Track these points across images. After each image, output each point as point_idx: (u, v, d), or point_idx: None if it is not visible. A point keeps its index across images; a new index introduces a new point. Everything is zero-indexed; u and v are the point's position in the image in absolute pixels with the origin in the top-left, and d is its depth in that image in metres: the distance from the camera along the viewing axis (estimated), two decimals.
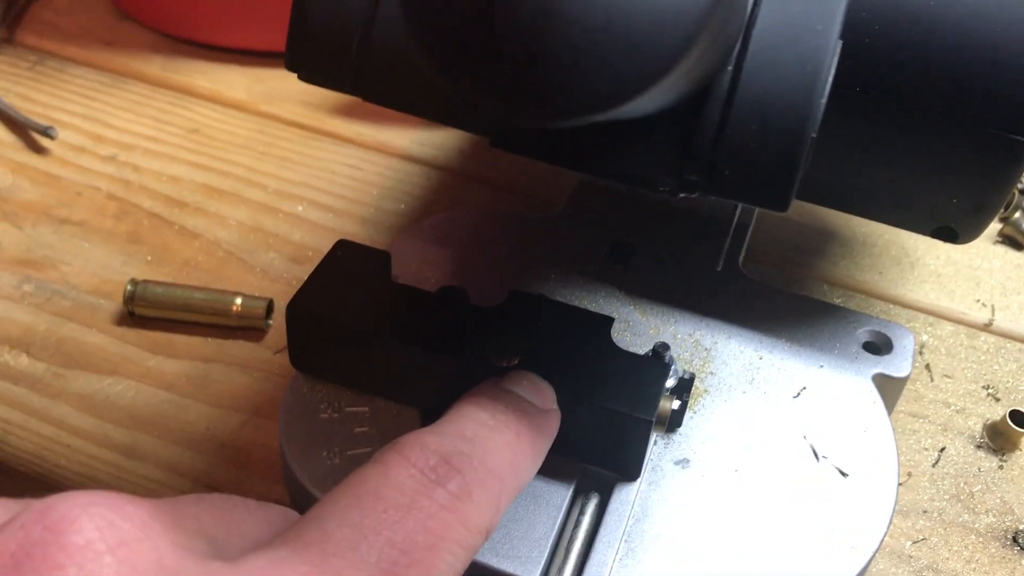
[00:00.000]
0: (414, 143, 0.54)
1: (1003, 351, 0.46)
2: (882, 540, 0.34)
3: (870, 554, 0.33)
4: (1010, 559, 0.37)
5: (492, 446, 0.27)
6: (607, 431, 0.33)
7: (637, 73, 0.16)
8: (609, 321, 0.36)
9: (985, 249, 0.52)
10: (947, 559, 0.37)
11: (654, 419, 0.32)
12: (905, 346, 0.40)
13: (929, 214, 0.37)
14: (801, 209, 0.52)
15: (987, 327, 0.47)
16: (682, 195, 0.26)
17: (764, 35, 0.25)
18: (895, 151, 0.35)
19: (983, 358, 0.45)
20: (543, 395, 0.31)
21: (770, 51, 0.24)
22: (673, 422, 0.36)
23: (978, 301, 0.48)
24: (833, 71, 0.26)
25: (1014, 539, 0.38)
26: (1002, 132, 0.34)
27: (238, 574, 0.21)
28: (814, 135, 0.25)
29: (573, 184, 0.48)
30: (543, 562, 0.32)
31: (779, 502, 0.34)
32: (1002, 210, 0.54)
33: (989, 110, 0.33)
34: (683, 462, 0.35)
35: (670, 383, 0.35)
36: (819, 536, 0.33)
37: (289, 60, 0.28)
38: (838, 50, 0.27)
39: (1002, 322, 0.47)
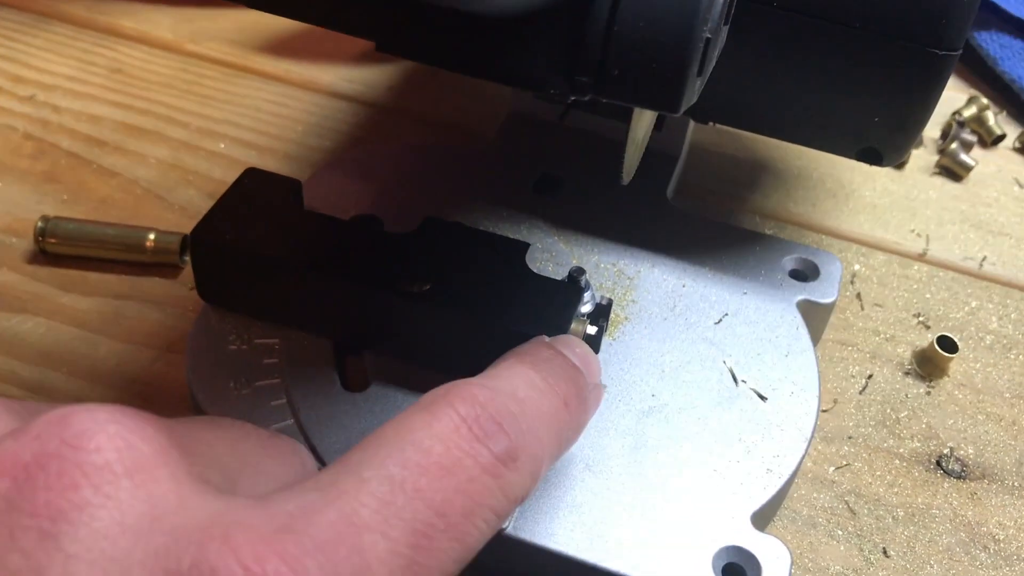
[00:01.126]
0: (341, 79, 0.53)
1: (936, 279, 0.45)
2: (800, 463, 0.33)
3: (787, 476, 0.33)
4: (933, 482, 0.37)
5: (541, 411, 0.26)
6: None
7: None
8: (524, 246, 0.35)
9: (922, 180, 0.51)
10: (870, 483, 0.36)
11: None
12: (832, 272, 0.40)
13: (852, 135, 0.36)
14: (735, 143, 0.51)
15: (921, 256, 0.47)
16: (572, 98, 0.25)
17: None
18: (814, 69, 0.34)
19: (915, 287, 0.45)
20: (591, 367, 0.30)
21: None
22: (590, 347, 0.35)
23: (913, 231, 0.48)
24: None
25: (938, 463, 0.37)
26: (918, 46, 0.33)
27: (266, 516, 0.20)
28: (708, 35, 0.24)
29: (502, 118, 0.47)
30: None
31: (696, 426, 0.34)
32: (940, 140, 0.54)
33: (905, 24, 0.33)
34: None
35: (586, 308, 0.35)
36: (735, 458, 0.33)
37: None
38: None
39: (936, 251, 0.47)
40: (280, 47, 0.55)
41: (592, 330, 0.35)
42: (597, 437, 0.33)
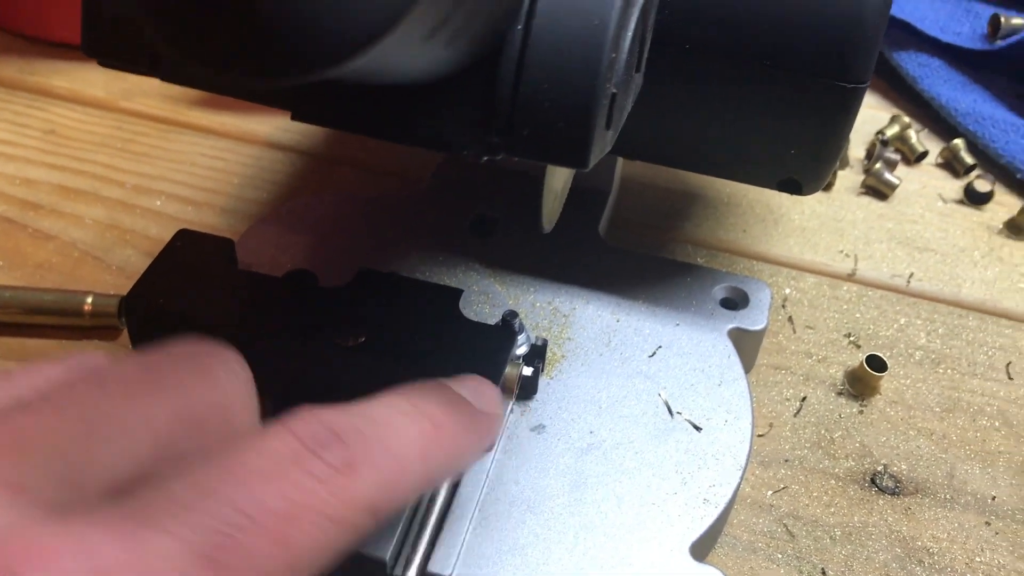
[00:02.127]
0: (278, 130, 0.53)
1: (865, 299, 0.47)
2: (736, 491, 0.34)
3: (723, 505, 0.33)
4: (868, 500, 0.38)
5: (399, 430, 0.24)
6: None
7: (354, 28, 0.16)
8: (457, 293, 0.36)
9: (849, 200, 0.53)
10: (807, 505, 0.37)
11: (500, 386, 0.32)
12: (761, 300, 0.41)
13: (771, 167, 0.37)
14: (666, 174, 0.52)
15: (850, 277, 0.48)
16: (485, 158, 0.26)
17: None
18: (729, 106, 0.36)
19: (845, 307, 0.46)
20: (486, 397, 0.29)
21: (558, 7, 0.24)
22: (527, 389, 0.36)
23: (841, 252, 0.49)
24: (632, 24, 0.26)
25: (872, 480, 0.39)
26: (827, 80, 0.34)
27: (60, 543, 0.18)
28: (614, 90, 0.25)
29: (436, 162, 0.47)
30: (395, 538, 0.32)
31: (633, 461, 0.34)
32: (865, 160, 0.55)
33: (812, 60, 0.34)
34: (539, 428, 0.35)
35: (521, 351, 0.35)
36: (672, 491, 0.34)
37: (84, 44, 0.27)
38: (645, 5, 0.27)
39: (864, 271, 0.48)
40: (215, 100, 0.55)
41: (528, 371, 0.35)
42: (538, 478, 0.34)
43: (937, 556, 0.36)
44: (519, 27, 0.24)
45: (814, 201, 0.52)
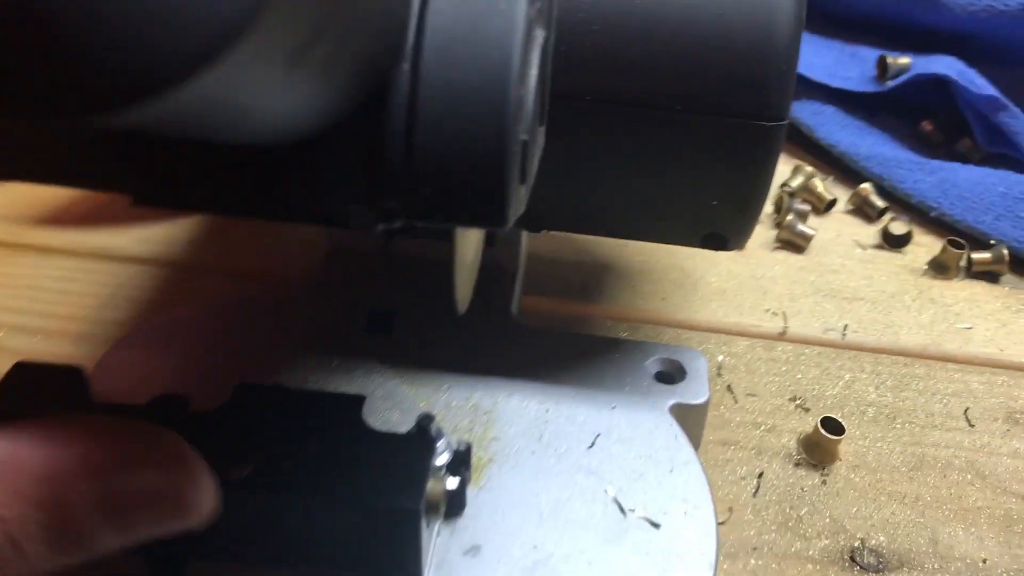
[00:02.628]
0: (136, 241, 0.47)
1: (803, 357, 0.43)
2: None
3: None
4: None
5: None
6: (372, 531, 0.27)
7: (196, 35, 0.11)
8: (359, 400, 0.30)
9: (765, 257, 0.50)
10: None
11: (422, 507, 0.27)
12: (698, 369, 0.37)
13: (693, 222, 0.34)
14: (573, 246, 0.48)
15: (782, 336, 0.44)
16: (381, 227, 0.21)
17: (441, 23, 0.20)
18: (643, 160, 0.32)
19: (784, 368, 0.42)
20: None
21: (451, 40, 0.20)
22: (454, 505, 0.30)
23: (768, 311, 0.46)
24: (536, 60, 0.22)
25: (852, 558, 0.34)
26: (744, 120, 0.31)
27: None
28: (525, 136, 0.21)
29: (321, 255, 0.42)
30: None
31: (587, 573, 0.29)
32: (775, 214, 0.52)
33: (727, 100, 0.31)
34: (473, 550, 0.30)
35: (442, 459, 0.30)
36: None
37: None
38: (543, 42, 0.23)
39: (796, 328, 0.45)
40: (62, 216, 0.49)
41: (453, 483, 0.30)
42: None
43: None
44: (406, 65, 0.20)
45: (729, 261, 0.49)
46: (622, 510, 0.31)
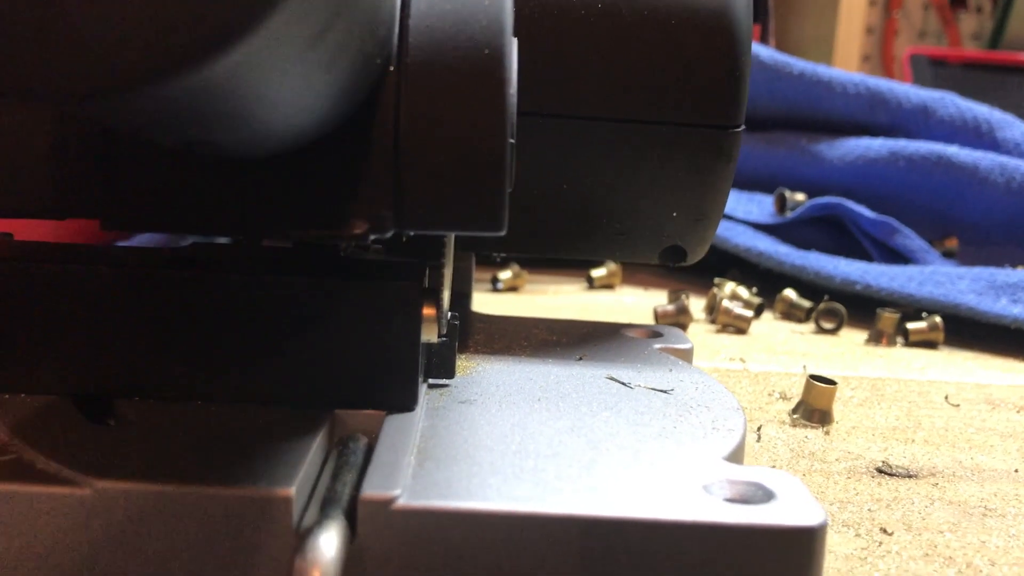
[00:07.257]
0: None
1: (772, 378, 0.41)
2: (744, 432, 0.26)
3: (740, 434, 0.25)
4: (888, 482, 0.30)
5: None
6: (362, 333, 0.24)
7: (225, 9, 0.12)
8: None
9: (710, 339, 0.49)
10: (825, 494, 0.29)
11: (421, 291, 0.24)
12: (679, 335, 0.35)
13: (652, 236, 0.33)
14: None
15: (743, 371, 0.43)
16: (373, 238, 0.21)
17: (424, 22, 0.21)
18: (601, 174, 0.32)
19: (751, 385, 0.40)
20: None
21: (436, 41, 0.21)
22: (440, 366, 0.27)
23: (726, 357, 0.45)
24: (514, 61, 0.22)
25: (879, 470, 0.31)
26: (701, 127, 0.31)
27: None
28: (512, 139, 0.21)
29: None
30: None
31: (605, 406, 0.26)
32: (708, 313, 0.52)
33: (683, 107, 0.31)
34: (467, 402, 0.26)
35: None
36: (665, 430, 0.25)
37: None
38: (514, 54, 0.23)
39: (755, 368, 0.43)
40: None
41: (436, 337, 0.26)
42: (483, 426, 0.24)
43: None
44: (391, 67, 0.20)
45: None
46: (626, 384, 0.28)
